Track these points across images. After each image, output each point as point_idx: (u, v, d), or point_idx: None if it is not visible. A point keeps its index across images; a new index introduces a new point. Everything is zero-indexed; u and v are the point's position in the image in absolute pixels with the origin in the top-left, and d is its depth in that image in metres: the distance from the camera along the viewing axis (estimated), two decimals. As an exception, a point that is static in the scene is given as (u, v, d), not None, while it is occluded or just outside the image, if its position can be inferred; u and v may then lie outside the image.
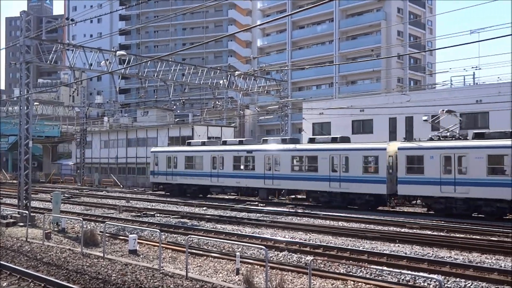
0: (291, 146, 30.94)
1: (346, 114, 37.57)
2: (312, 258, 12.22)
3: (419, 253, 15.14)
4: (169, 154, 37.59)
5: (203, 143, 37.02)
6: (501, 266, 13.26)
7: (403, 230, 20.45)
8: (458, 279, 12.03)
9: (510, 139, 22.74)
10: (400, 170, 25.66)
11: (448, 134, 25.99)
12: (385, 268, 12.43)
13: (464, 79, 38.93)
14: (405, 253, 15.03)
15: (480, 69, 46.41)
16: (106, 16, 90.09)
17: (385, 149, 26.45)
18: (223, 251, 16.18)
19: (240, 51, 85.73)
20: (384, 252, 15.07)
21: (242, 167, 32.89)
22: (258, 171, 31.74)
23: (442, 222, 22.59)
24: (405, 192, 25.81)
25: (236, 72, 33.83)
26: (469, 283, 11.63)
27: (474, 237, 18.52)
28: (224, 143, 35.73)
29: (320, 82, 70.51)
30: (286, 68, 47.05)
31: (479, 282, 11.69)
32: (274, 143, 32.22)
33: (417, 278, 11.85)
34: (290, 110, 47.18)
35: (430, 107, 33.75)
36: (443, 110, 26.99)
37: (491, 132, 24.61)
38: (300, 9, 14.20)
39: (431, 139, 25.82)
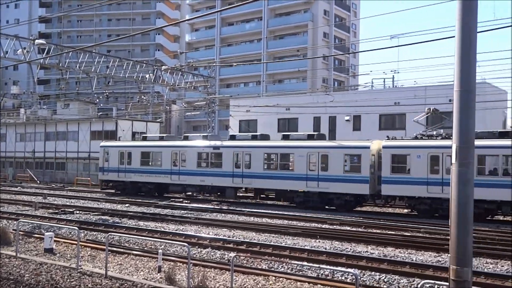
0: (264, 142, 29.51)
1: (272, 112, 38.11)
2: (235, 254, 12.27)
3: (338, 248, 15.67)
4: (122, 149, 34.83)
5: (161, 138, 34.83)
6: (412, 260, 14.02)
7: (324, 226, 21.08)
8: (373, 272, 12.57)
9: (498, 139, 22.65)
10: (384, 170, 24.77)
11: (434, 132, 25.32)
12: (305, 263, 12.73)
13: (384, 81, 40.74)
14: (325, 248, 15.49)
15: (398, 72, 48.78)
16: (24, 2, 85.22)
17: (368, 147, 25.56)
18: (145, 248, 15.85)
19: (168, 45, 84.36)
20: (305, 247, 15.45)
21: (206, 164, 30.78)
22: (226, 168, 29.79)
23: (361, 218, 23.57)
24: (389, 192, 24.87)
25: (163, 67, 33.26)
26: (383, 276, 12.20)
27: (389, 232, 19.47)
28: (186, 138, 33.47)
29: (248, 80, 71.01)
30: (214, 64, 46.92)
31: (392, 275, 12.28)
32: (242, 139, 30.49)
33: (335, 272, 12.25)
34: (218, 106, 47.13)
35: (352, 107, 35.10)
36: (429, 109, 25.98)
37: (479, 132, 23.30)
38: (229, 6, 14.20)
39: (416, 138, 25.12)
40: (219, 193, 31.04)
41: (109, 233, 14.77)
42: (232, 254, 13.38)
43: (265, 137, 30.53)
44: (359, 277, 11.97)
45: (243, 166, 29.11)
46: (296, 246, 15.72)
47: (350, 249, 15.67)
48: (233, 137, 30.81)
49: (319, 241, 17.22)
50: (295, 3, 67.80)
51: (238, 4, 14.06)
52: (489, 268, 13.30)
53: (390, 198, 25.71)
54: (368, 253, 14.98)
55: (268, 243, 16.27)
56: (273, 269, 13.03)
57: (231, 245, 16.03)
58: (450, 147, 6.28)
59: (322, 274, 12.43)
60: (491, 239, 17.69)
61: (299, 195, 27.50)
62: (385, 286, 11.66)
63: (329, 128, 37.64)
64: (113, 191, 36.24)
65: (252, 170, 28.78)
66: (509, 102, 34.61)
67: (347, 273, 12.00)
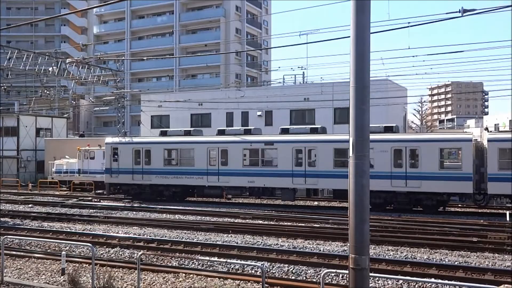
0: (331, 136, 25.86)
1: (184, 107, 37.71)
2: (141, 252, 11.98)
3: (250, 242, 15.86)
4: (137, 146, 28.96)
5: (188, 133, 29.04)
6: (320, 250, 14.53)
7: (236, 220, 21.24)
8: (282, 264, 12.86)
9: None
10: (491, 166, 22.00)
11: None
12: (215, 258, 12.74)
13: (295, 77, 41.78)
14: (237, 243, 15.62)
15: (306, 69, 50.29)
16: None
17: (470, 140, 22.60)
18: (49, 251, 15.05)
19: (75, 37, 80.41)
20: (217, 243, 15.47)
21: (256, 162, 26.40)
22: (283, 167, 25.36)
23: (273, 212, 24.05)
24: (497, 191, 22.18)
25: (68, 59, 31.64)
26: (291, 268, 12.53)
27: (300, 224, 20.04)
28: (222, 132, 28.20)
29: (161, 74, 69.71)
30: (124, 58, 45.50)
31: (301, 266, 12.65)
32: (298, 132, 26.23)
33: (245, 266, 12.38)
34: (129, 101, 45.80)
35: (264, 103, 35.64)
36: None
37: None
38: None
39: None
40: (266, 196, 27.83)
41: (5, 236, 13.80)
42: (144, 253, 13.06)
43: (324, 129, 26.78)
44: (264, 270, 12.24)
45: (305, 164, 25.11)
46: (208, 242, 15.69)
47: (261, 242, 15.92)
48: (285, 131, 26.65)
49: (231, 236, 17.32)
50: (208, -3, 67.51)
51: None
52: (390, 255, 14.11)
53: (495, 196, 23.73)
54: (279, 245, 15.30)
55: (179, 239, 16.09)
56: (183, 265, 12.92)
57: (141, 244, 15.65)
58: None
59: (232, 268, 12.52)
60: (392, 227, 18.77)
61: (381, 196, 23.49)
62: (293, 277, 11.98)
63: (242, 124, 37.94)
64: (122, 196, 30.33)
65: (318, 169, 24.76)
66: (409, 98, 36.92)
67: (256, 267, 12.17)
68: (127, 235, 16.97)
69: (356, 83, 6.77)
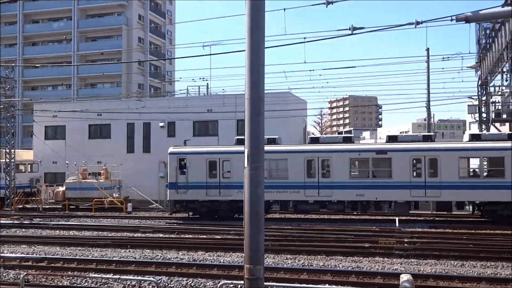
0: (453, 144, 24.01)
1: (82, 117, 36.06)
2: (25, 273, 11.15)
3: (148, 257, 15.41)
4: (213, 156, 25.25)
5: (273, 141, 25.09)
6: (220, 262, 14.48)
7: (136, 234, 20.57)
8: (181, 278, 12.62)
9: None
10: None
11: None
12: (110, 275, 12.20)
13: (199, 89, 41.75)
14: (135, 258, 15.10)
15: (209, 80, 50.43)
16: None
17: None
18: None
19: (-41, 40, 73.99)
20: (114, 259, 14.84)
21: (366, 173, 24.03)
22: (398, 178, 22.98)
23: (175, 224, 23.64)
24: None
25: None
26: (190, 281, 12.34)
27: (201, 236, 19.85)
28: (316, 140, 25.42)
29: (57, 82, 66.11)
30: (15, 64, 42.60)
31: (200, 279, 12.50)
32: (411, 140, 23.96)
33: (141, 282, 11.99)
34: (20, 111, 42.94)
35: (166, 114, 35.12)
36: None
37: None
38: None
39: None
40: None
41: None
42: (31, 272, 12.16)
43: (428, 137, 24.18)
44: (166, 284, 11.95)
45: (426, 174, 22.77)
46: (103, 258, 14.99)
47: (161, 256, 15.54)
48: (394, 139, 24.36)
49: (129, 251, 16.72)
50: (109, 4, 65.38)
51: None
52: (288, 264, 14.41)
53: None
54: (178, 258, 15.03)
55: (72, 257, 15.21)
56: (75, 285, 12.21)
57: (29, 263, 14.58)
58: None
59: (128, 285, 12.05)
60: (292, 236, 19.22)
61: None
62: (191, 291, 11.79)
63: (144, 135, 37.05)
64: (187, 214, 26.58)
65: (442, 179, 22.49)
66: (309, 111, 38.28)
67: (149, 282, 11.83)
68: (12, 255, 15.71)
69: (251, 95, 6.86)
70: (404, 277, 7.54)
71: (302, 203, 24.24)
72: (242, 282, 8.51)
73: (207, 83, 44.45)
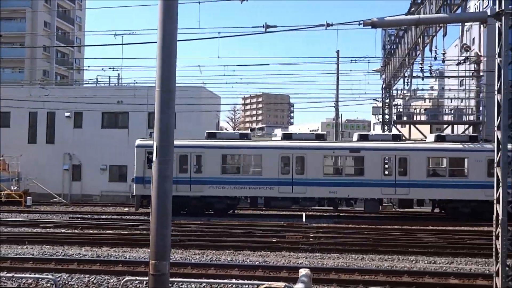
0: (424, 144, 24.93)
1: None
2: None
3: (48, 253, 14.60)
4: (183, 150, 23.83)
5: (245, 136, 25.37)
6: (126, 258, 14.07)
7: (35, 230, 19.42)
8: (83, 275, 12.09)
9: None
10: None
11: None
12: (4, 273, 11.40)
13: (109, 79, 40.08)
14: (33, 255, 14.25)
15: (117, 71, 48.76)
16: None
17: None
18: None
19: None
20: (9, 256, 13.88)
21: (338, 171, 24.49)
22: (370, 176, 23.44)
23: (79, 219, 22.65)
24: None
25: None
26: (93, 278, 11.85)
27: (107, 232, 19.16)
28: (289, 137, 25.34)
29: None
30: None
31: (103, 276, 12.05)
32: (382, 139, 24.82)
33: (39, 279, 11.33)
34: None
35: (73, 103, 33.50)
36: None
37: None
38: None
39: None
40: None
41: None
42: None
43: (397, 137, 25.58)
44: (66, 282, 11.41)
45: (396, 173, 23.37)
46: (-4, 255, 13.97)
47: (62, 252, 14.80)
48: (364, 137, 24.80)
49: (27, 247, 15.72)
50: (12, -16, 60.99)
51: None
52: (196, 259, 14.33)
53: None
54: (81, 255, 14.40)
55: (-40, 255, 14.02)
56: (-37, 284, 11.26)
57: None
58: None
59: (24, 283, 11.33)
60: (201, 231, 19.15)
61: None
62: (93, 287, 11.34)
63: (47, 125, 35.07)
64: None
65: (411, 178, 23.25)
66: (224, 106, 38.40)
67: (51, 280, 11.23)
68: None
69: (162, 87, 6.72)
70: (302, 272, 7.78)
71: (275, 199, 24.15)
72: (147, 278, 8.31)
73: (118, 74, 42.62)
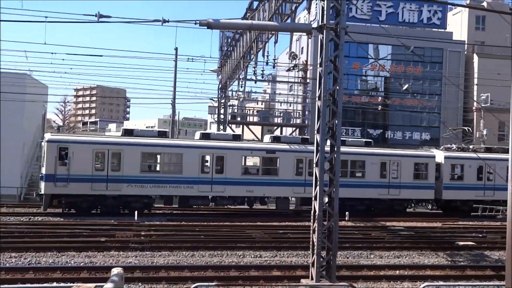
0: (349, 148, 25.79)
1: None
2: None
3: None
4: (101, 147, 22.72)
5: (163, 134, 24.70)
6: None
7: None
8: None
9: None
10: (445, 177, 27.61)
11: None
12: None
13: None
14: None
15: None
16: None
17: (434, 156, 27.72)
18: None
19: None
20: None
21: (256, 171, 25.25)
22: (284, 176, 24.75)
23: None
24: (449, 197, 27.74)
25: None
26: None
27: None
28: (207, 136, 25.22)
29: None
30: None
31: None
32: (292, 141, 26.19)
33: None
34: None
35: None
36: None
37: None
38: None
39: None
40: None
41: None
42: None
43: (306, 140, 26.56)
44: None
45: (306, 173, 24.92)
46: None
47: None
48: (277, 139, 26.15)
49: None
50: None
51: None
52: (12, 263, 13.07)
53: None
54: None
55: None
56: None
57: None
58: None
59: None
60: (19, 232, 17.47)
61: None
62: None
63: None
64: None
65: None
66: (52, 97, 35.63)
67: None
68: None
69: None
70: (114, 271, 7.63)
71: (194, 198, 24.30)
72: None
73: None
